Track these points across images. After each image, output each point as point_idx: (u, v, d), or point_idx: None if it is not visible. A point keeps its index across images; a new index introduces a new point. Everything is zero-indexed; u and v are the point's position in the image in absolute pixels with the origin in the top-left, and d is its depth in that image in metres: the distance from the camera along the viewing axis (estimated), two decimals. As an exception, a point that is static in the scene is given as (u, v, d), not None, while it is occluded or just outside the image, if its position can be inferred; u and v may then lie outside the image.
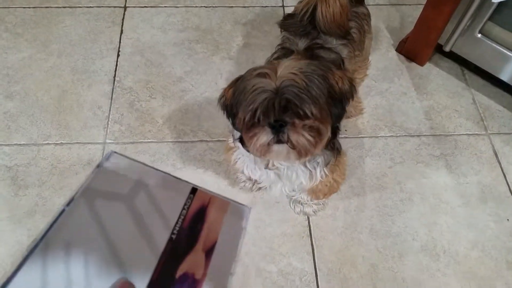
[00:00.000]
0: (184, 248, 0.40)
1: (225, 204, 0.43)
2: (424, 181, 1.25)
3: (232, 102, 0.80)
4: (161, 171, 0.45)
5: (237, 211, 0.43)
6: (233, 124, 0.85)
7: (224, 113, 0.86)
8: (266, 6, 1.65)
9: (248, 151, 0.85)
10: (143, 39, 1.53)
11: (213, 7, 1.64)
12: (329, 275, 1.09)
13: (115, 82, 1.41)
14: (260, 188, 1.20)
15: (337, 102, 0.80)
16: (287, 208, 1.20)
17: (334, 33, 0.97)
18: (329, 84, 0.78)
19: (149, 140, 1.30)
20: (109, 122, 1.32)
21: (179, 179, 0.44)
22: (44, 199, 1.17)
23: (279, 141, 0.76)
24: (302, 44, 0.97)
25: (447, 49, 1.38)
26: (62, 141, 1.28)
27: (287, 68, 0.74)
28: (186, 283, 0.37)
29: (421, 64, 1.49)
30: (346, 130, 1.33)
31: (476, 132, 1.35)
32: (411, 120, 1.37)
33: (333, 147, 0.91)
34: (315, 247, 1.13)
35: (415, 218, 1.19)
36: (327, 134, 0.80)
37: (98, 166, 0.46)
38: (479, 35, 1.31)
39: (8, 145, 1.26)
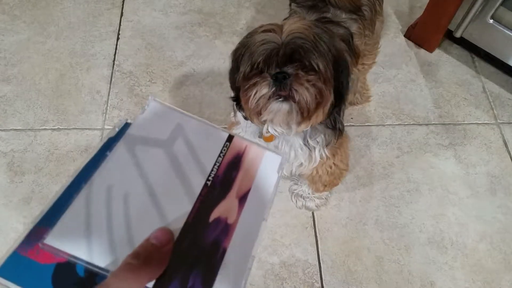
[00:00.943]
0: (219, 194, 0.39)
1: (261, 152, 0.41)
2: (432, 171, 1.19)
3: (235, 60, 0.74)
4: (199, 119, 0.43)
5: (272, 159, 0.41)
6: (232, 87, 0.78)
7: (230, 73, 0.79)
8: (271, -11, 1.57)
9: (245, 117, 0.78)
10: (143, 22, 1.46)
11: (216, -11, 1.57)
12: (333, 267, 1.04)
13: (115, 66, 1.35)
14: None
15: (344, 69, 0.74)
16: (289, 198, 1.14)
17: (344, 6, 0.91)
18: (336, 48, 0.72)
19: (149, 126, 1.24)
20: (108, 107, 1.26)
21: (215, 127, 0.42)
22: (41, 186, 1.12)
23: (279, 95, 0.68)
24: (309, 17, 0.91)
25: (457, 35, 1.31)
26: (60, 127, 1.22)
27: (294, 24, 0.69)
28: (219, 227, 0.37)
29: (430, 50, 1.41)
30: (352, 118, 1.27)
31: (486, 121, 1.29)
32: (419, 108, 1.30)
33: (335, 126, 0.83)
34: (319, 239, 1.08)
35: (423, 209, 1.13)
36: (330, 98, 0.71)
37: (141, 112, 0.44)
38: (491, 21, 1.24)
39: (4, 130, 1.20)
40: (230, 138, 0.44)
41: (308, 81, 0.67)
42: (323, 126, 0.82)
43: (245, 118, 0.79)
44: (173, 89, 1.32)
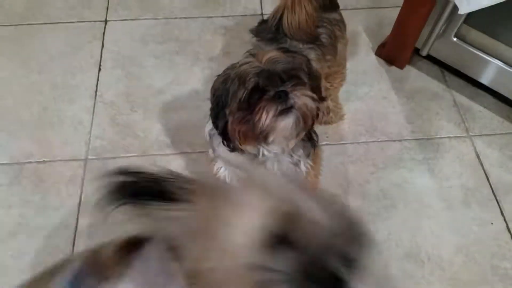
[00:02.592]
0: None
1: None
2: (407, 186, 1.20)
3: (219, 96, 0.78)
4: None
5: None
6: (216, 123, 0.82)
7: (211, 112, 0.84)
8: (245, 15, 1.59)
9: (232, 149, 0.83)
10: (123, 52, 1.47)
11: (192, 17, 1.58)
12: (313, 287, 1.04)
13: (97, 97, 1.35)
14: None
15: (317, 84, 0.82)
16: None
17: (301, 39, 0.95)
18: (307, 67, 0.80)
19: (130, 155, 1.24)
20: (91, 138, 1.27)
21: None
22: (27, 219, 1.12)
23: (284, 111, 0.74)
24: (268, 49, 0.93)
25: (423, 53, 1.33)
26: (45, 159, 1.22)
27: (270, 52, 0.76)
28: None
29: (401, 67, 1.43)
30: (327, 137, 1.28)
31: (458, 135, 1.30)
32: (392, 125, 1.31)
33: (310, 137, 0.90)
34: (298, 258, 1.08)
35: (399, 224, 1.13)
36: (317, 105, 0.79)
37: None
38: (455, 39, 1.26)
39: (-14, 165, 1.20)
40: None
41: (302, 93, 0.74)
42: (300, 141, 0.86)
43: (231, 150, 0.82)
44: (153, 116, 1.33)
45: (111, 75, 1.41)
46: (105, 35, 1.52)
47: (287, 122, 0.75)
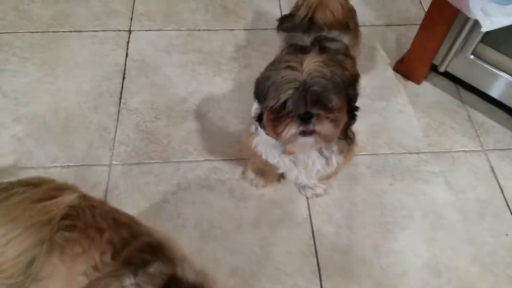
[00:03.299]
0: None
1: None
2: (423, 198, 1.22)
3: (260, 89, 0.83)
4: None
5: None
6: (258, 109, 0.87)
7: (254, 97, 0.89)
8: (266, 29, 1.63)
9: (267, 134, 0.87)
10: (147, 61, 1.50)
11: (215, 30, 1.62)
12: (335, 294, 1.05)
13: (121, 104, 1.38)
14: (266, 185, 1.21)
15: (353, 84, 0.86)
16: (291, 226, 1.16)
17: (334, 27, 1.01)
18: (345, 73, 0.82)
19: (154, 161, 1.26)
20: (115, 144, 1.29)
21: None
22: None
23: (304, 133, 0.79)
24: (307, 38, 0.99)
25: (441, 69, 1.36)
26: (69, 164, 1.24)
27: (312, 61, 0.78)
28: None
29: (417, 82, 1.46)
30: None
31: (473, 149, 1.32)
32: (409, 137, 1.34)
33: (346, 136, 0.94)
34: (321, 267, 1.09)
35: (416, 234, 1.15)
36: (344, 120, 0.84)
37: None
38: (472, 57, 1.29)
39: (16, 168, 1.22)
40: None
41: (327, 118, 0.78)
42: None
43: (267, 134, 0.88)
44: (176, 124, 1.35)
45: (135, 83, 1.44)
46: (129, 44, 1.55)
47: (306, 142, 0.82)
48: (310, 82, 0.76)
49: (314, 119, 0.78)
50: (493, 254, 1.13)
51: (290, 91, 0.76)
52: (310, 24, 1.00)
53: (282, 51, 1.03)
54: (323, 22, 0.98)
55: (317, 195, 1.20)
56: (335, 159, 0.95)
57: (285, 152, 0.94)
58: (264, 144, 0.97)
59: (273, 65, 0.83)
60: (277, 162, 0.99)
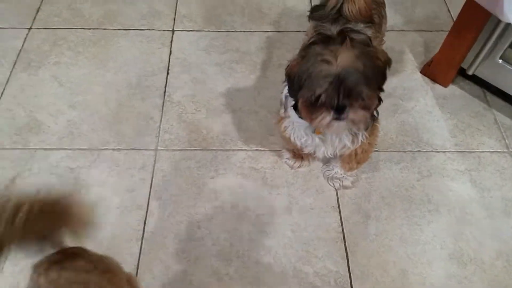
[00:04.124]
0: None
1: None
2: (450, 194, 1.25)
3: (297, 78, 0.88)
4: None
5: None
6: (292, 94, 0.94)
7: (287, 81, 0.96)
8: (299, 31, 1.69)
9: (300, 117, 0.95)
10: (189, 59, 1.59)
11: (251, 31, 1.69)
12: (362, 278, 1.10)
13: (165, 97, 1.47)
14: (300, 166, 1.29)
15: (384, 73, 0.92)
16: (321, 214, 1.21)
17: (360, 20, 1.07)
18: (377, 63, 0.88)
19: (195, 148, 1.34)
20: (160, 132, 1.37)
21: None
22: (104, 198, 1.22)
23: (338, 118, 0.86)
24: (334, 29, 1.05)
25: (470, 72, 1.40)
26: (119, 147, 1.33)
27: (345, 56, 0.83)
28: None
29: (445, 85, 1.50)
30: (376, 144, 1.34)
31: (499, 150, 1.35)
32: (437, 137, 1.37)
33: (372, 115, 0.99)
34: (348, 252, 1.14)
35: (443, 228, 1.19)
36: (374, 105, 0.91)
37: None
38: (500, 61, 1.32)
39: (71, 149, 1.32)
40: None
41: (359, 106, 0.85)
42: None
43: (300, 117, 0.95)
44: (214, 116, 1.43)
45: (178, 78, 1.52)
46: (172, 43, 1.64)
47: (339, 126, 0.89)
48: (344, 76, 0.81)
49: (347, 109, 0.85)
50: (518, 250, 1.15)
51: (325, 85, 0.82)
52: (338, 16, 1.06)
53: (310, 38, 1.08)
54: (349, 15, 1.04)
55: (345, 187, 1.25)
56: (361, 136, 1.02)
57: (314, 131, 1.02)
58: (293, 125, 1.05)
59: (308, 58, 0.88)
60: (305, 141, 1.07)
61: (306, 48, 1.01)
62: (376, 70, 0.88)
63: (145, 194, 1.22)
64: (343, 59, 0.83)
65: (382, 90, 0.93)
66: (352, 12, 1.05)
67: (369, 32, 1.09)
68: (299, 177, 1.29)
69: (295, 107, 0.96)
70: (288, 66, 0.94)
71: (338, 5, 1.06)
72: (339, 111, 0.85)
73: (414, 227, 1.19)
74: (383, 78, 0.92)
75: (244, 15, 1.76)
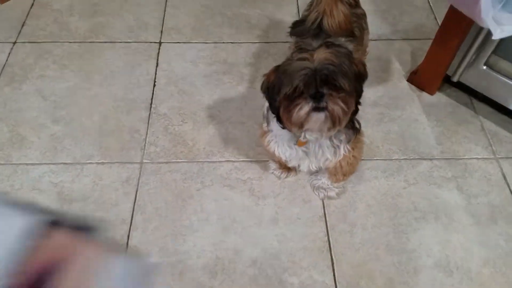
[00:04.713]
0: None
1: (105, 256, 0.33)
2: (436, 201, 1.28)
3: (275, 84, 0.92)
4: None
5: (125, 267, 0.32)
6: (272, 104, 0.96)
7: (265, 95, 0.98)
8: (287, 42, 1.73)
9: (282, 127, 0.97)
10: (176, 71, 1.62)
11: (238, 43, 1.73)
12: (348, 288, 1.11)
13: (151, 109, 1.50)
14: (287, 176, 1.31)
15: (359, 80, 0.94)
16: (307, 224, 1.23)
17: (341, 34, 1.11)
18: (353, 66, 0.91)
19: (181, 160, 1.36)
20: (146, 144, 1.40)
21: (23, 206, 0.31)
22: (87, 212, 1.24)
23: (317, 109, 0.87)
24: (316, 43, 1.08)
25: (454, 79, 1.43)
26: (103, 161, 1.35)
27: (321, 52, 0.87)
28: None
29: (431, 93, 1.54)
30: (361, 158, 1.37)
31: (485, 156, 1.38)
32: (423, 145, 1.40)
33: (353, 126, 1.03)
34: (334, 262, 1.16)
35: (429, 235, 1.21)
36: (353, 106, 0.91)
37: None
38: (484, 67, 1.36)
39: (54, 163, 1.34)
40: (44, 226, 0.28)
41: (338, 97, 0.87)
42: (344, 128, 0.99)
43: (283, 127, 0.97)
44: (201, 127, 1.45)
45: (164, 90, 1.56)
46: (159, 55, 1.68)
47: (318, 118, 0.89)
48: (321, 67, 0.84)
49: (325, 97, 0.86)
50: (505, 257, 1.18)
51: (302, 77, 0.84)
52: (319, 31, 1.10)
53: (292, 53, 1.12)
54: (329, 29, 1.07)
55: (329, 198, 1.27)
56: (343, 148, 1.04)
57: (296, 143, 1.03)
58: (276, 139, 1.07)
59: (286, 61, 0.92)
60: (289, 155, 1.08)
61: None
62: (353, 71, 0.91)
63: (129, 208, 1.24)
64: (320, 55, 0.87)
65: (359, 97, 0.95)
66: (332, 26, 1.09)
67: (350, 46, 1.12)
68: (285, 187, 1.31)
69: (278, 118, 0.98)
70: (263, 80, 0.97)
71: (318, 20, 1.11)
72: (317, 99, 0.86)
73: (401, 235, 1.21)
74: (359, 83, 0.94)
75: (232, 26, 1.80)
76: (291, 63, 0.89)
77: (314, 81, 0.84)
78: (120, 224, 1.22)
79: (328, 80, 0.85)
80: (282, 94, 0.88)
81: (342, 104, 0.87)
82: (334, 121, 0.90)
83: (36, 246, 0.27)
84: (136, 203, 1.26)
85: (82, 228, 0.33)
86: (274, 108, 0.96)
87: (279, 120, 0.96)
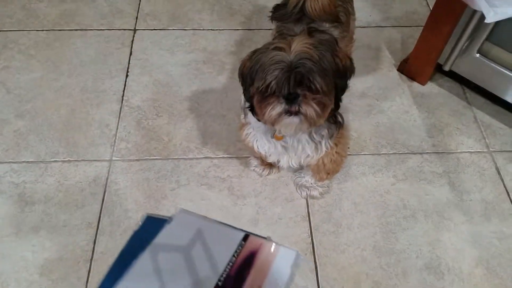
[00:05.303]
0: None
1: (275, 248, 0.45)
2: (427, 198, 1.22)
3: (249, 72, 0.84)
4: (219, 222, 0.48)
5: (287, 255, 0.45)
6: (246, 94, 0.88)
7: (240, 81, 0.90)
8: (270, 29, 1.65)
9: (258, 119, 0.89)
10: (151, 60, 1.54)
11: (219, 30, 1.65)
12: (333, 293, 1.06)
13: (123, 101, 1.41)
14: (269, 173, 1.25)
15: (342, 76, 0.86)
16: (290, 224, 1.17)
17: (325, 19, 1.03)
18: (336, 61, 0.83)
19: (154, 157, 1.29)
20: (116, 140, 1.32)
21: (234, 227, 0.48)
22: (50, 215, 1.16)
23: (290, 113, 0.80)
24: (298, 29, 1.01)
25: (446, 68, 1.37)
26: (70, 159, 1.27)
27: (300, 42, 0.79)
28: None
29: (423, 83, 1.47)
30: (348, 147, 1.31)
31: (478, 150, 1.32)
32: (413, 138, 1.34)
33: (336, 120, 0.96)
34: (318, 265, 1.10)
35: (419, 235, 1.15)
36: (331, 106, 0.85)
37: (168, 220, 0.50)
38: (478, 55, 1.30)
39: (16, 162, 1.26)
40: (246, 237, 0.47)
41: (313, 99, 0.80)
42: (326, 122, 0.93)
43: (258, 120, 0.90)
44: (177, 121, 1.38)
45: (138, 81, 1.47)
46: (133, 43, 1.59)
47: (291, 122, 0.82)
48: (296, 63, 0.77)
49: (299, 99, 0.79)
50: (499, 257, 1.12)
51: (276, 72, 0.77)
52: (301, 15, 1.02)
53: (273, 39, 1.05)
54: (312, 12, 1.00)
55: (312, 197, 1.21)
56: (324, 144, 0.97)
57: (273, 136, 0.96)
58: (254, 132, 1.00)
59: (260, 49, 0.84)
60: (268, 149, 1.01)
61: None
62: (334, 67, 0.83)
63: (96, 210, 1.17)
64: (298, 45, 0.79)
65: (342, 93, 0.88)
66: (315, 9, 1.01)
67: (336, 32, 1.05)
68: (267, 185, 1.25)
69: (251, 108, 0.91)
70: (240, 65, 0.89)
71: (300, 3, 1.03)
72: (290, 101, 0.79)
73: (389, 235, 1.15)
74: (343, 79, 0.87)
75: (213, 12, 1.72)
76: (266, 52, 0.80)
77: (287, 80, 0.77)
78: (86, 228, 1.14)
79: (303, 80, 0.78)
80: (255, 87, 0.81)
81: (316, 107, 0.80)
82: (309, 123, 0.83)
83: (241, 249, 0.45)
84: (103, 205, 1.18)
85: (261, 236, 0.48)
86: (248, 98, 0.89)
87: (253, 111, 0.89)
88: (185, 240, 0.47)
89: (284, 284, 0.45)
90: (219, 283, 0.43)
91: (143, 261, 0.46)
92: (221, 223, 0.49)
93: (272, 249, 0.47)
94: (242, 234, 0.48)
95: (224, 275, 0.43)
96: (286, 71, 0.77)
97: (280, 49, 0.79)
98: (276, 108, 0.80)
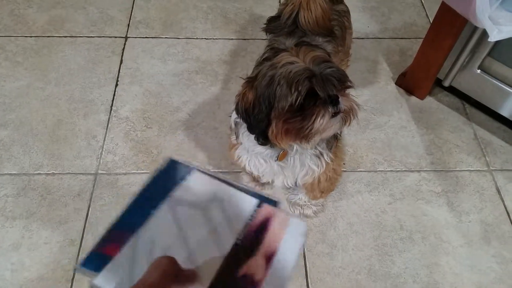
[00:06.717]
0: (247, 252, 0.45)
1: (286, 218, 0.48)
2: (424, 219, 1.18)
3: (259, 101, 0.79)
4: (234, 185, 0.51)
5: (297, 225, 0.48)
6: (256, 125, 0.82)
7: (241, 117, 0.85)
8: (266, 39, 1.62)
9: (262, 143, 0.85)
10: (142, 69, 1.50)
11: (213, 39, 1.62)
12: (325, 319, 1.01)
13: (112, 112, 1.38)
14: (262, 189, 1.21)
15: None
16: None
17: (319, 33, 1.00)
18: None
19: (142, 171, 1.25)
20: (103, 152, 1.28)
21: (246, 192, 0.50)
22: (31, 231, 1.12)
23: (335, 114, 0.78)
24: (289, 43, 0.98)
25: (446, 84, 1.34)
26: (54, 171, 1.23)
27: (307, 52, 0.78)
28: (247, 282, 0.42)
29: (421, 97, 1.44)
30: (344, 163, 1.28)
31: (478, 168, 1.29)
32: (411, 155, 1.31)
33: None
34: (310, 288, 1.06)
35: (416, 258, 1.12)
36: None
37: (181, 179, 0.52)
38: (479, 71, 1.27)
39: (-2, 174, 1.22)
40: (259, 204, 0.49)
41: (349, 97, 0.80)
42: None
43: (262, 144, 0.86)
44: (168, 133, 1.34)
45: (128, 90, 1.44)
46: (124, 51, 1.56)
47: (334, 123, 0.80)
48: (319, 67, 0.75)
49: (340, 99, 0.78)
50: (498, 282, 1.09)
51: (306, 82, 0.74)
52: (294, 28, 1.00)
53: (263, 54, 1.01)
54: (305, 25, 0.97)
55: (305, 216, 1.17)
56: (326, 156, 0.94)
57: (277, 159, 0.92)
58: (248, 153, 0.96)
59: (268, 69, 0.79)
60: (263, 170, 0.98)
61: (258, 66, 0.94)
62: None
63: (79, 227, 1.13)
64: (306, 54, 0.77)
65: None
66: (308, 21, 0.99)
67: (329, 47, 1.02)
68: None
69: (260, 135, 0.85)
70: (239, 100, 0.84)
71: (294, 14, 1.00)
72: (334, 103, 0.77)
73: (385, 257, 1.11)
74: None
75: (208, 20, 1.69)
76: (278, 69, 0.77)
77: (322, 84, 0.75)
78: (68, 245, 1.10)
79: (331, 80, 0.76)
80: (280, 108, 0.76)
81: (353, 100, 0.80)
82: (347, 121, 0.82)
83: (256, 214, 0.48)
84: (87, 221, 1.14)
85: (274, 203, 0.49)
86: (259, 128, 0.82)
87: (264, 137, 0.84)
88: (202, 199, 0.49)
89: (299, 247, 0.48)
90: (238, 242, 0.45)
91: (162, 212, 0.48)
92: (236, 186, 0.51)
93: (284, 218, 0.49)
94: (256, 201, 0.50)
95: (242, 236, 0.46)
96: (316, 77, 0.75)
97: (291, 63, 0.76)
98: (325, 116, 0.77)
